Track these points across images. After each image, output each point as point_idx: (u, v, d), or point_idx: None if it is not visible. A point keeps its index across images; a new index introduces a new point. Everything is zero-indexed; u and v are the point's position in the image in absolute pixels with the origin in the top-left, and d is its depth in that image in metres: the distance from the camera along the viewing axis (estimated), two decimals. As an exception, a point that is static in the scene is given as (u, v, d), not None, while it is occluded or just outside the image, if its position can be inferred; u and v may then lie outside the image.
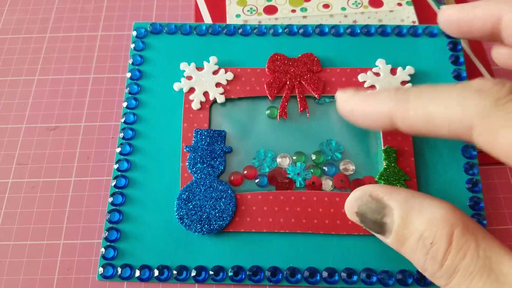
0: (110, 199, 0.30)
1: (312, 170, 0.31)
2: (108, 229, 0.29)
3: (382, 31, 0.34)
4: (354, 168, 0.31)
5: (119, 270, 0.28)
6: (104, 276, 0.28)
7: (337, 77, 0.33)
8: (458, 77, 0.33)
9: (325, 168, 0.31)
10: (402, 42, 0.34)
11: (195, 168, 0.30)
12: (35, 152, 0.34)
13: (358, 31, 0.34)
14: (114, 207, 0.30)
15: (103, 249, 0.29)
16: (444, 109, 0.23)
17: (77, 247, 0.31)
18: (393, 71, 0.33)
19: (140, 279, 0.28)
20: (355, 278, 0.28)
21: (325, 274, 0.28)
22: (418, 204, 0.23)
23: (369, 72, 0.32)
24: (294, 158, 0.31)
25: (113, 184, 0.31)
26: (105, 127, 0.35)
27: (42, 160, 0.34)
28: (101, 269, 0.29)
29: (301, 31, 0.35)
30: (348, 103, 0.28)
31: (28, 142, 0.35)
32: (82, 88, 0.37)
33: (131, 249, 0.29)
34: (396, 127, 0.26)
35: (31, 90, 0.37)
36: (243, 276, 0.28)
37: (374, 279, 0.28)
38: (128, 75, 0.34)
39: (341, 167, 0.31)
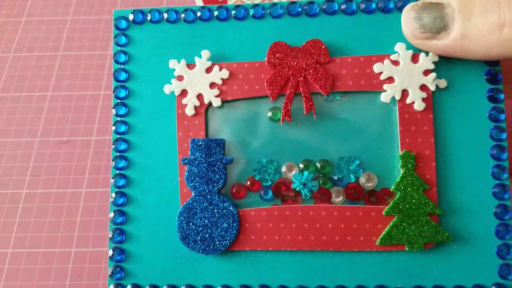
0: (111, 216, 0.29)
1: (321, 181, 0.28)
2: (113, 249, 0.29)
3: (402, 5, 0.28)
4: (376, 182, 0.28)
5: (128, 290, 0.29)
6: None
7: (348, 69, 0.28)
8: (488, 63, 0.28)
9: (336, 178, 0.28)
10: (427, 17, 0.28)
11: (194, 184, 0.28)
12: (48, 164, 0.36)
13: (374, 6, 0.29)
14: (116, 226, 0.29)
15: (110, 270, 0.29)
16: None
17: (87, 254, 0.32)
18: (414, 58, 0.28)
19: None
20: (366, 295, 0.27)
21: (335, 292, 0.27)
22: None
23: (386, 61, 0.28)
24: (301, 166, 0.28)
25: (111, 201, 0.29)
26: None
27: (55, 172, 0.36)
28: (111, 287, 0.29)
29: (305, 8, 0.29)
30: None
31: (41, 155, 0.36)
32: (93, 104, 0.38)
33: (138, 269, 0.29)
34: None
35: (44, 105, 0.39)
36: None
37: (387, 296, 0.27)
38: (113, 76, 0.30)
39: (361, 180, 0.28)
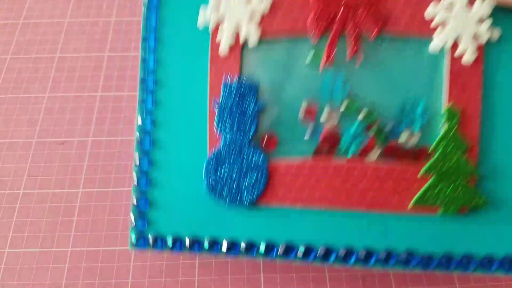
0: (137, 161, 0.27)
1: (372, 134, 0.25)
2: (138, 196, 0.26)
3: None
4: (418, 139, 0.25)
5: (151, 239, 0.26)
6: (137, 245, 0.26)
7: (400, 9, 0.26)
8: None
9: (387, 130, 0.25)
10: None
11: (224, 128, 0.26)
12: (45, 164, 0.36)
13: None
14: (141, 171, 0.27)
15: (133, 219, 0.26)
16: None
17: (84, 254, 0.32)
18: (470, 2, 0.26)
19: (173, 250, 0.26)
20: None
21: (362, 254, 0.25)
22: None
23: (441, 4, 0.26)
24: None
25: (137, 144, 0.27)
26: (112, 142, 0.37)
27: (52, 172, 0.36)
28: (133, 237, 0.26)
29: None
30: None
31: (38, 156, 0.37)
32: (89, 105, 0.39)
33: (161, 219, 0.26)
34: None
35: (42, 107, 0.39)
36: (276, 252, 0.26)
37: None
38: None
39: (403, 137, 0.25)
